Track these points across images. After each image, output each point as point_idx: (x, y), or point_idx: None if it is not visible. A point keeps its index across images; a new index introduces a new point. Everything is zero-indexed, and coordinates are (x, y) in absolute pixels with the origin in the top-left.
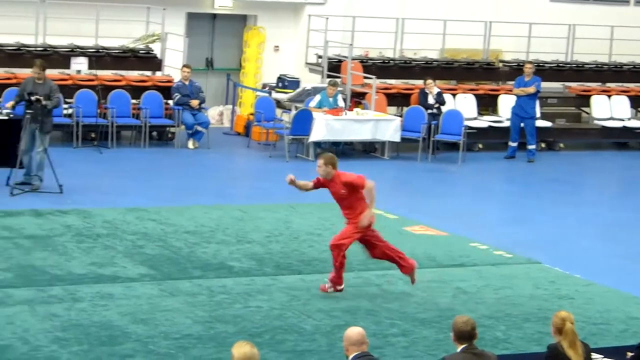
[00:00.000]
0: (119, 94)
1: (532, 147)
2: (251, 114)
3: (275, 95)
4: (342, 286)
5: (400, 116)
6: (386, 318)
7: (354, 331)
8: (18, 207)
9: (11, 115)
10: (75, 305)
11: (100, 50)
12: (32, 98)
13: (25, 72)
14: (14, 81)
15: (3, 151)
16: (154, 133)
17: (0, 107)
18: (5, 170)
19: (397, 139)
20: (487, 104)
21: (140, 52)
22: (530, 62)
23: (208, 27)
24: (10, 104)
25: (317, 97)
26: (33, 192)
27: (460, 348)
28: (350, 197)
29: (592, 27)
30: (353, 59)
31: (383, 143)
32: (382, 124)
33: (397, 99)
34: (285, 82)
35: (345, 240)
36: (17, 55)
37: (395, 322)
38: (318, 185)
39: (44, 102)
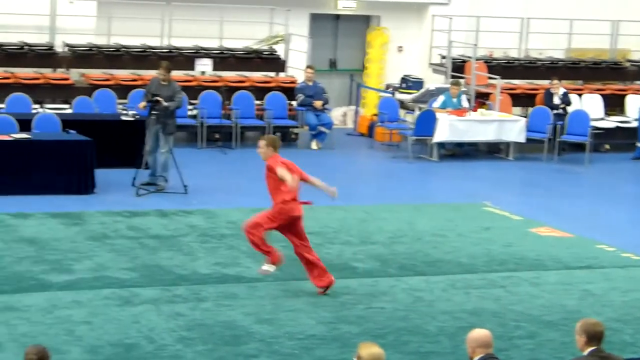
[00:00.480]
0: (242, 95)
1: None
2: (375, 115)
3: (398, 95)
4: (277, 261)
5: (525, 117)
6: (511, 320)
7: (481, 333)
8: (144, 208)
9: (137, 117)
10: (200, 305)
11: (225, 52)
12: (153, 99)
13: (150, 74)
14: (139, 82)
15: (129, 152)
16: (278, 134)
17: (126, 109)
18: (131, 171)
19: (522, 139)
20: (614, 104)
21: (264, 53)
22: None
23: (331, 28)
24: (142, 104)
25: (441, 98)
26: (158, 193)
27: (588, 351)
28: (271, 182)
29: None
30: (477, 59)
31: (508, 144)
32: (506, 125)
33: (522, 99)
34: (409, 83)
35: (260, 221)
36: (142, 57)
37: (520, 324)
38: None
39: (164, 104)
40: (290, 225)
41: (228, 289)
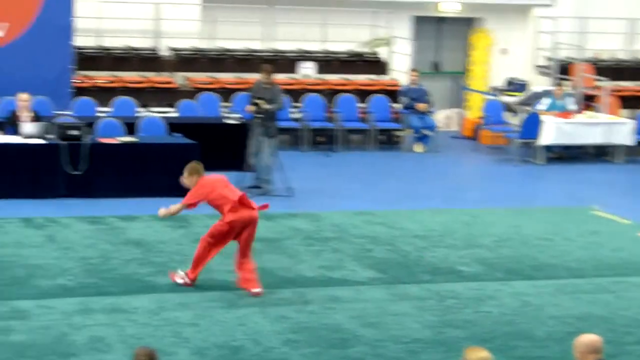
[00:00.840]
0: (346, 98)
1: None
2: (479, 118)
3: (503, 98)
4: (191, 281)
5: (634, 119)
6: (621, 326)
7: (592, 338)
8: None
9: (241, 120)
10: (305, 308)
11: (328, 55)
12: (253, 102)
13: (253, 77)
14: (243, 86)
15: (233, 155)
16: (381, 136)
17: (230, 112)
18: (236, 173)
19: (631, 142)
20: None
21: (367, 56)
22: None
23: (434, 30)
24: (249, 108)
25: (547, 100)
26: (263, 196)
27: None
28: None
29: None
30: (584, 61)
31: (616, 147)
32: (615, 127)
33: (630, 102)
34: (514, 85)
35: (213, 240)
36: (246, 61)
37: (630, 330)
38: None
39: (264, 106)
40: (241, 231)
41: (333, 292)
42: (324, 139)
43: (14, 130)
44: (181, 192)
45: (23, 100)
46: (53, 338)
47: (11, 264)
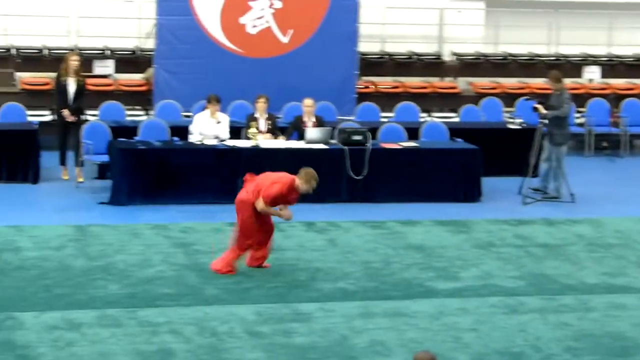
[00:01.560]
0: (632, 102)
1: None
2: None
3: None
4: None
5: None
6: None
7: None
8: (530, 216)
9: (524, 125)
10: (587, 315)
11: (613, 59)
12: (533, 107)
13: (537, 82)
14: (526, 91)
15: (515, 160)
16: None
17: (512, 117)
18: (518, 179)
19: None
20: None
21: None
22: None
23: None
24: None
25: None
26: (545, 201)
27: None
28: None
29: None
30: None
31: None
32: None
33: None
34: None
35: None
36: (529, 65)
37: None
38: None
39: (542, 112)
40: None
41: (616, 299)
42: (608, 144)
43: (299, 135)
44: (462, 197)
45: (308, 106)
46: (334, 341)
47: (294, 267)
